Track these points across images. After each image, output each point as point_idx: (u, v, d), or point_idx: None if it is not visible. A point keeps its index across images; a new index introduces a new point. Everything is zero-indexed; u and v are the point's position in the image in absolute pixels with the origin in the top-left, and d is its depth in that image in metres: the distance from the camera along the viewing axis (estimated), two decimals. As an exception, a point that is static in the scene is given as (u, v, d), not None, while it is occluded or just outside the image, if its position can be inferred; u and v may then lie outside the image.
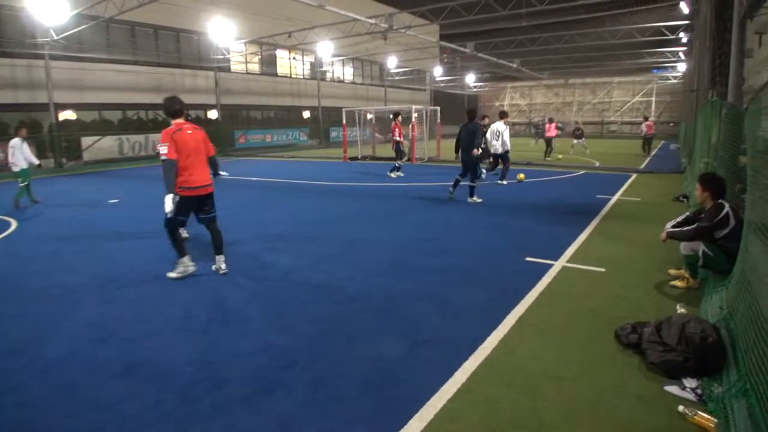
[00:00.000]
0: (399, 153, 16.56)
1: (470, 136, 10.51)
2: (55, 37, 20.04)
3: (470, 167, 10.73)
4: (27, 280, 6.03)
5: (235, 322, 4.59)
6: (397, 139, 16.52)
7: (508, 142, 13.98)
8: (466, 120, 10.89)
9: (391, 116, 17.17)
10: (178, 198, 5.60)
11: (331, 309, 4.89)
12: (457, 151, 10.88)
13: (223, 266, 6.05)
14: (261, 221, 9.27)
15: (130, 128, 25.18)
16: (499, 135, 13.87)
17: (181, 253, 5.93)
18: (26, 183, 11.45)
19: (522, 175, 14.54)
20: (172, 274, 5.91)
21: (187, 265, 5.96)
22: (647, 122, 24.12)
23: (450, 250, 7.02)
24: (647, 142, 23.26)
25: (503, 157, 14.05)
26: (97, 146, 22.44)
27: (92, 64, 23.38)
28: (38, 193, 12.18)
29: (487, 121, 14.02)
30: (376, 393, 3.36)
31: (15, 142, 11.34)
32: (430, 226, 8.64)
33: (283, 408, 3.20)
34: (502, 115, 14.14)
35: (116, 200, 12.11)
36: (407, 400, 3.25)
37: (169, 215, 5.63)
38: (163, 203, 5.57)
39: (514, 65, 40.83)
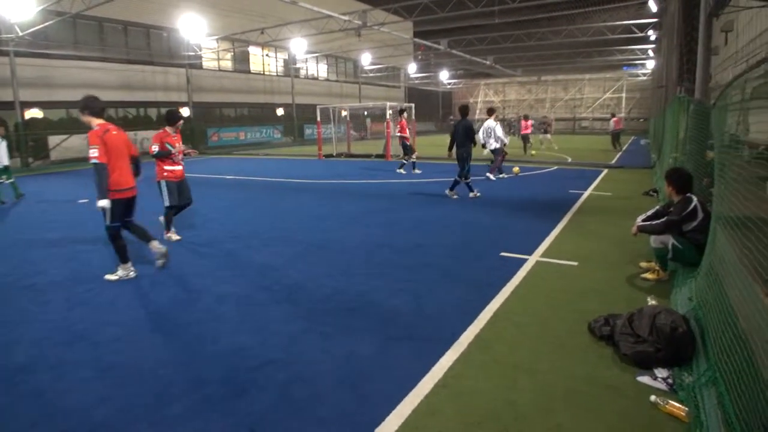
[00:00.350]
0: (407, 149, 16.19)
1: (466, 133, 10.39)
2: (21, 34, 19.50)
3: (461, 163, 10.60)
4: (-8, 283, 5.84)
5: (209, 323, 4.52)
6: (401, 134, 16.24)
7: (503, 137, 13.98)
8: (458, 117, 10.83)
9: (396, 112, 16.92)
10: (110, 204, 5.47)
11: (305, 308, 4.85)
12: (450, 149, 10.73)
13: (163, 245, 6.06)
14: (236, 220, 9.17)
15: (100, 126, 24.64)
16: (491, 132, 13.85)
17: (123, 260, 5.79)
18: (2, 181, 11.75)
19: (517, 168, 15.31)
20: (111, 276, 5.77)
21: (128, 270, 5.83)
22: (615, 118, 25.00)
23: (425, 246, 7.04)
24: (616, 137, 24.12)
25: (497, 151, 14.09)
26: (65, 145, 21.92)
27: (59, 61, 22.83)
28: (4, 194, 11.83)
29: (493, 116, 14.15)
30: (353, 391, 3.34)
31: None
32: (405, 222, 8.64)
33: (257, 408, 3.16)
34: (491, 112, 14.05)
35: (86, 200, 11.84)
36: (384, 396, 3.25)
37: (108, 223, 5.55)
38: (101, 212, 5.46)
39: (488, 62, 41.14)
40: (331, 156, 22.66)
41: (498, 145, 13.87)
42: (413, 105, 23.96)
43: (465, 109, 10.96)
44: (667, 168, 6.34)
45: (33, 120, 22.43)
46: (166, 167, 7.45)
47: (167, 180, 7.44)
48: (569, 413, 3.04)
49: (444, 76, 50.29)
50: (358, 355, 3.84)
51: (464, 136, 10.42)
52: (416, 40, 37.49)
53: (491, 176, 13.86)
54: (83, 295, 5.32)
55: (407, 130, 16.32)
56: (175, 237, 7.62)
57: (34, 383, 3.53)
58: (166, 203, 7.49)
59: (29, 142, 20.98)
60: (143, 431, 2.95)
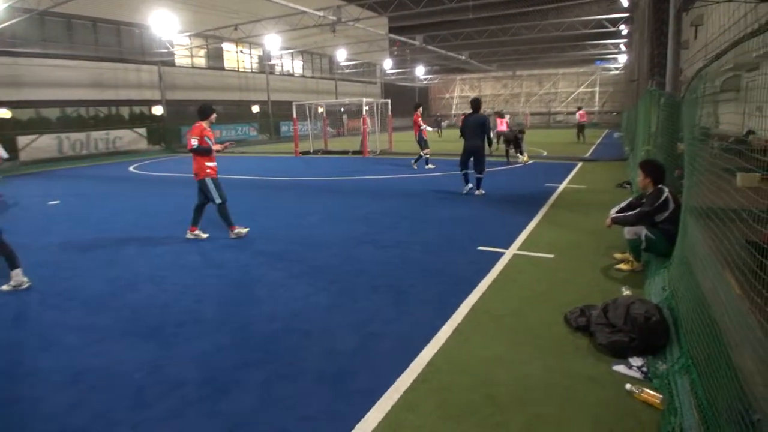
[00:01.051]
0: (424, 143, 15.62)
1: (479, 127, 10.18)
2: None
3: (477, 158, 10.38)
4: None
5: (188, 324, 4.47)
6: (425, 128, 15.75)
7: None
8: (469, 111, 10.53)
9: (414, 107, 16.53)
10: None
11: (284, 306, 4.83)
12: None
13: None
14: (215, 219, 9.06)
15: (70, 126, 24.15)
16: None
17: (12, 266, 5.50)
18: None
19: (526, 157, 16.26)
20: (4, 287, 5.45)
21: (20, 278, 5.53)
22: (580, 111, 26.30)
23: (403, 241, 7.06)
24: (581, 129, 25.48)
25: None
26: (35, 145, 21.41)
27: (27, 59, 22.27)
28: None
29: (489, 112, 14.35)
30: (333, 387, 3.34)
31: None
32: (383, 218, 8.65)
33: (238, 408, 3.14)
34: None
35: (56, 201, 11.59)
36: (364, 392, 3.25)
37: None
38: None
39: (463, 57, 41.33)
40: (308, 153, 22.55)
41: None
42: (389, 101, 23.96)
43: (477, 103, 10.54)
44: (640, 160, 6.44)
45: (0, 120, 21.86)
46: (207, 163, 7.32)
47: (211, 177, 7.34)
48: (547, 404, 3.08)
49: (420, 71, 50.38)
50: (338, 351, 3.83)
51: (476, 130, 10.16)
52: (391, 35, 37.45)
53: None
54: (54, 299, 5.21)
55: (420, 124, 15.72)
56: (243, 231, 7.58)
57: (8, 390, 3.45)
58: (218, 200, 7.35)
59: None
60: None
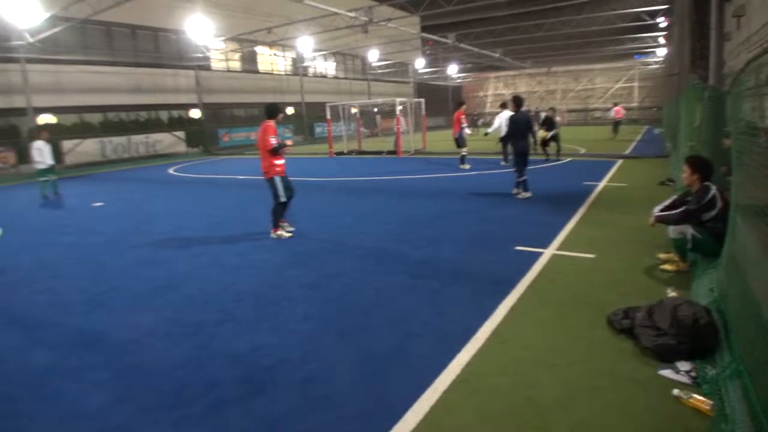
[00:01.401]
0: (462, 141, 15.25)
1: (527, 127, 9.80)
2: (31, 40, 19.66)
3: (523, 158, 9.84)
4: (13, 288, 5.90)
5: (226, 322, 4.53)
6: (465, 127, 15.44)
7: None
8: (511, 108, 10.11)
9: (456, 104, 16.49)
10: None
11: (321, 306, 4.84)
12: (506, 142, 10.21)
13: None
14: (251, 219, 9.19)
15: (112, 130, 24.86)
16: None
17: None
18: (48, 179, 12.73)
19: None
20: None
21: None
22: (616, 108, 26.75)
23: (438, 241, 7.00)
24: (616, 125, 26.07)
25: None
26: (79, 149, 22.13)
27: (70, 66, 23.01)
28: (21, 197, 11.99)
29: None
30: (370, 388, 3.33)
31: (39, 144, 12.53)
32: (418, 218, 8.61)
33: (275, 407, 3.15)
34: (509, 104, 13.55)
35: (101, 203, 11.93)
36: (401, 394, 3.22)
37: None
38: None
39: (497, 55, 40.88)
40: (342, 153, 22.65)
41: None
42: (423, 100, 23.87)
43: (520, 101, 10.10)
44: (684, 156, 6.23)
45: (46, 125, 22.65)
46: (277, 162, 7.39)
47: (279, 175, 7.42)
48: (591, 408, 2.99)
49: (453, 70, 50.04)
50: (375, 353, 3.81)
51: (524, 130, 9.81)
52: (424, 35, 37.34)
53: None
54: (101, 297, 5.36)
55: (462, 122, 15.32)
56: (286, 233, 7.62)
57: (55, 386, 3.56)
58: (282, 198, 7.43)
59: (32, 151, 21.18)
60: (163, 430, 2.97)
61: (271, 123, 7.37)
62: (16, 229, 9.28)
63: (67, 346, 4.21)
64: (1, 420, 3.19)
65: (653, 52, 44.32)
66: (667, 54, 35.20)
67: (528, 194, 9.90)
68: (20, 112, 20.69)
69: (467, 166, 15.10)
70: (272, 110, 7.50)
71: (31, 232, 9.02)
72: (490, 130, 16.52)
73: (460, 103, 16.30)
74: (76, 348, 4.17)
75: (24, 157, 20.70)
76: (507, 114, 13.62)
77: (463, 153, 15.17)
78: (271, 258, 6.61)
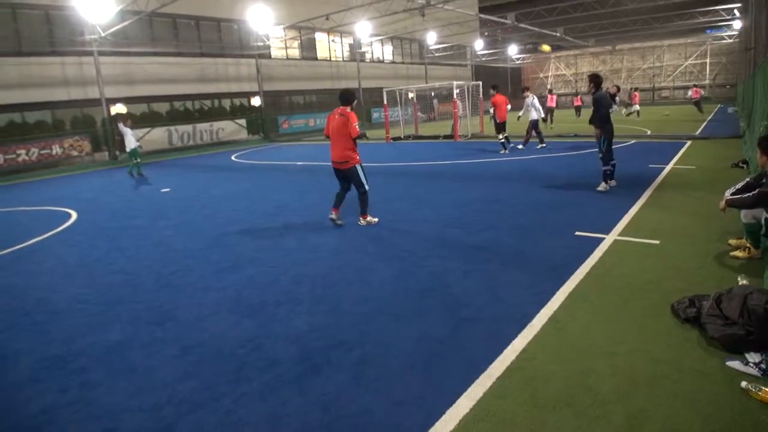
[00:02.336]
0: (503, 126, 15.37)
1: (607, 107, 8.84)
2: (102, 34, 20.64)
3: (609, 143, 8.80)
4: (90, 267, 6.30)
5: (285, 303, 4.67)
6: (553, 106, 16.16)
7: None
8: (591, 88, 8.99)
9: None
10: None
11: (377, 289, 4.90)
12: (597, 124, 8.81)
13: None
14: (310, 204, 9.37)
15: (178, 119, 25.83)
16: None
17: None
18: (137, 159, 15.21)
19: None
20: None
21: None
22: (694, 88, 27.13)
23: (495, 226, 6.91)
24: (697, 104, 26.20)
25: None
26: (147, 138, 23.15)
27: (138, 57, 24.02)
28: (95, 183, 12.71)
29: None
30: (424, 372, 3.35)
31: (125, 129, 14.97)
32: (475, 202, 8.52)
33: (330, 387, 3.24)
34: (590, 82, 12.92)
35: (168, 189, 12.48)
36: (455, 378, 3.23)
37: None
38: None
39: (558, 34, 39.50)
40: (399, 139, 22.63)
41: (536, 117, 15.61)
42: (480, 83, 23.45)
43: (599, 79, 8.99)
44: (760, 136, 5.84)
45: (118, 115, 23.86)
46: (356, 150, 7.26)
47: (360, 164, 7.27)
48: (653, 399, 2.90)
49: (512, 51, 48.80)
50: (430, 336, 3.84)
51: (608, 109, 8.88)
52: (482, 15, 36.53)
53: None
54: (169, 278, 5.64)
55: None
56: (375, 219, 7.57)
57: (128, 359, 3.80)
58: (367, 186, 7.33)
59: (116, 137, 22.31)
60: (225, 405, 3.11)
61: (350, 110, 7.22)
62: (93, 212, 9.88)
63: (139, 323, 4.47)
64: (81, 390, 3.44)
65: (727, 25, 41.55)
66: (742, 27, 32.99)
67: (613, 183, 8.99)
68: (94, 102, 21.83)
69: (506, 151, 15.16)
70: (350, 97, 7.33)
71: (107, 215, 9.56)
72: (520, 113, 16.45)
73: (495, 87, 16.00)
74: (147, 325, 4.42)
75: (98, 145, 21.93)
76: (532, 98, 15.55)
77: (503, 138, 15.24)
78: (328, 242, 6.73)
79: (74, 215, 9.83)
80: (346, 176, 7.32)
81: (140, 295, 5.18)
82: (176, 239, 7.42)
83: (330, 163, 7.46)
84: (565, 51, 53.96)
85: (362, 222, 7.50)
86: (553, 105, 24.77)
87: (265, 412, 3.03)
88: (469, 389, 3.10)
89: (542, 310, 4.13)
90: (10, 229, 9.10)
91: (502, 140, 15.23)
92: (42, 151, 19.86)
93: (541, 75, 56.65)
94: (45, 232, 8.46)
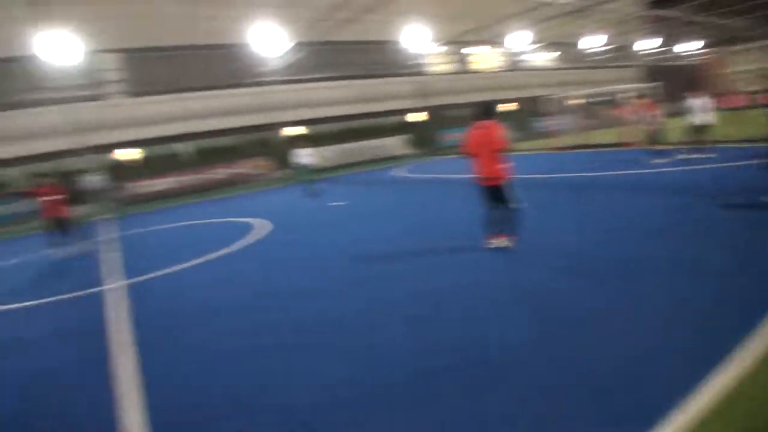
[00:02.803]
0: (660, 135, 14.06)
1: None
2: (278, 66, 23.04)
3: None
4: (275, 280, 7.01)
5: (446, 315, 4.77)
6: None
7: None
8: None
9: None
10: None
11: (566, 313, 4.75)
12: None
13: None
14: (475, 218, 9.20)
15: (346, 137, 27.77)
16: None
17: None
18: (309, 178, 16.36)
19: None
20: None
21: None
22: None
23: (690, 244, 6.25)
24: None
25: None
26: (320, 155, 25.20)
27: (310, 84, 26.31)
28: (275, 200, 14.12)
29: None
30: (610, 396, 3.22)
31: (302, 150, 16.55)
32: (661, 217, 7.78)
33: (499, 403, 3.27)
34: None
35: (341, 203, 13.40)
36: (647, 404, 3.05)
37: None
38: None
39: (740, 24, 35.10)
40: (564, 148, 21.64)
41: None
42: (652, 85, 21.73)
43: None
44: None
45: (306, 135, 26.44)
46: (506, 165, 6.62)
47: (510, 178, 6.66)
48: None
49: (686, 47, 44.33)
50: (609, 359, 3.66)
51: None
52: (649, 12, 33.78)
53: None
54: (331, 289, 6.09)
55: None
56: (506, 244, 6.76)
57: (304, 362, 4.22)
58: (517, 203, 6.68)
59: (289, 157, 24.82)
60: (390, 411, 3.31)
61: (493, 122, 6.73)
62: (279, 226, 10.99)
63: (317, 329, 4.91)
64: (265, 381, 3.94)
65: None
66: None
67: None
68: (271, 127, 24.41)
69: (661, 161, 13.41)
70: (493, 109, 6.94)
71: (295, 229, 10.64)
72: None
73: (642, 96, 14.43)
74: (324, 329, 4.87)
75: (278, 164, 24.45)
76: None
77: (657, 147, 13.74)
78: (484, 257, 6.63)
79: (269, 226, 11.07)
80: (495, 193, 6.67)
81: (317, 302, 5.71)
82: (355, 247, 7.85)
83: (476, 180, 6.90)
84: (748, 43, 47.74)
85: (492, 244, 6.78)
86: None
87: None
88: (672, 414, 2.92)
89: (755, 341, 3.62)
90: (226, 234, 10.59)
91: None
92: (229, 171, 23.03)
93: (722, 72, 50.81)
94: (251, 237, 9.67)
